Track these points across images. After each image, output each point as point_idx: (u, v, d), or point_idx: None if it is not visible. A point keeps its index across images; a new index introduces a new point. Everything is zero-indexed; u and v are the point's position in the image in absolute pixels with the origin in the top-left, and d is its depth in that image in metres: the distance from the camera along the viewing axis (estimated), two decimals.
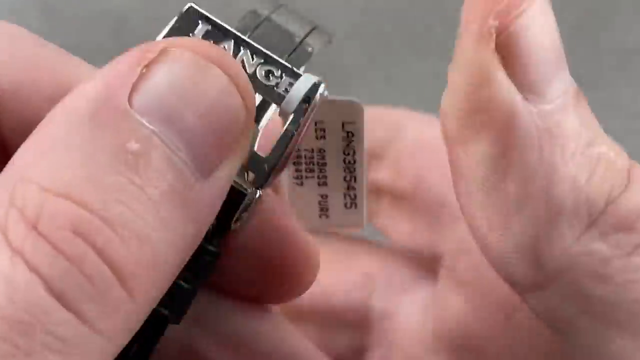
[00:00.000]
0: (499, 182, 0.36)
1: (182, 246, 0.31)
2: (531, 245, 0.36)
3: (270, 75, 0.36)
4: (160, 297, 0.31)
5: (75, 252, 0.28)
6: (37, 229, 0.28)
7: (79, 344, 0.28)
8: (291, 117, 0.35)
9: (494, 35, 0.36)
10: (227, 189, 0.32)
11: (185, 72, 0.31)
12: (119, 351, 0.30)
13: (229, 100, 0.31)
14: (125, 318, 0.30)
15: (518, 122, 0.36)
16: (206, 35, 0.39)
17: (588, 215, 0.36)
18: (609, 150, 0.37)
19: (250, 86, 0.33)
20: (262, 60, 0.37)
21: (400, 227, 0.50)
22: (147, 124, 0.30)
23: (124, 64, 0.31)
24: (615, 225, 0.36)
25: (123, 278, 0.29)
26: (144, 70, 0.31)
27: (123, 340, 0.30)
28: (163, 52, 0.31)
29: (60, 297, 0.28)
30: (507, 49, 0.36)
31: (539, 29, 0.37)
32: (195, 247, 0.32)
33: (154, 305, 0.31)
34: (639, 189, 0.36)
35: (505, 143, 0.36)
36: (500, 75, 0.36)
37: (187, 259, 0.32)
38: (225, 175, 0.32)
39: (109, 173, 0.29)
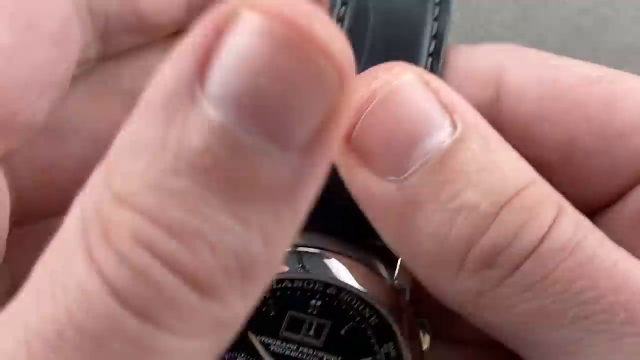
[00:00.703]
0: (396, 246, 0.43)
1: (274, 242, 0.29)
2: (433, 286, 0.44)
3: None
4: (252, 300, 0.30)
5: (141, 262, 0.27)
6: (109, 239, 0.27)
7: (156, 351, 0.28)
8: None
9: (349, 141, 0.41)
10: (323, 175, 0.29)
11: (260, 48, 0.26)
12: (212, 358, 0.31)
13: (317, 78, 0.26)
14: (206, 324, 0.29)
15: (377, 203, 0.42)
16: None
17: (456, 261, 0.42)
18: (474, 196, 0.42)
19: (346, 49, 0.26)
20: None
21: None
22: (216, 114, 0.26)
23: (194, 41, 0.26)
24: (478, 264, 0.42)
25: (194, 284, 0.28)
26: (214, 47, 0.26)
27: (211, 345, 0.30)
28: (233, 17, 0.26)
29: (132, 308, 0.27)
30: (358, 150, 0.41)
31: (382, 120, 0.41)
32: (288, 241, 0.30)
33: (244, 308, 0.30)
34: (500, 226, 0.42)
35: (377, 221, 0.42)
36: (358, 173, 0.41)
37: (279, 254, 0.30)
38: (322, 162, 0.28)
39: (173, 177, 0.26)
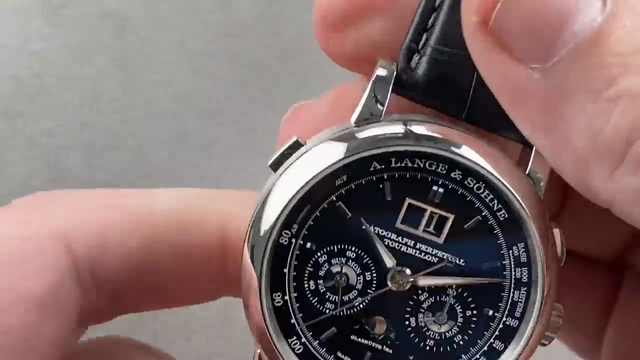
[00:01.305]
0: (538, 139, 0.40)
1: None
2: (581, 183, 0.39)
3: None
4: None
5: None
6: None
7: None
8: None
9: (487, 25, 0.38)
10: None
11: None
12: None
13: None
14: None
15: (518, 93, 0.39)
16: None
17: (615, 157, 0.38)
18: (634, 82, 0.37)
19: None
20: None
21: None
22: None
23: None
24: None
25: None
26: None
27: None
28: None
29: None
30: (497, 34, 0.38)
31: (522, 5, 0.38)
32: None
33: None
34: None
35: (516, 112, 0.40)
36: (496, 60, 0.39)
37: None
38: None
39: None
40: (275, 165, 0.45)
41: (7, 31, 0.76)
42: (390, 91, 0.44)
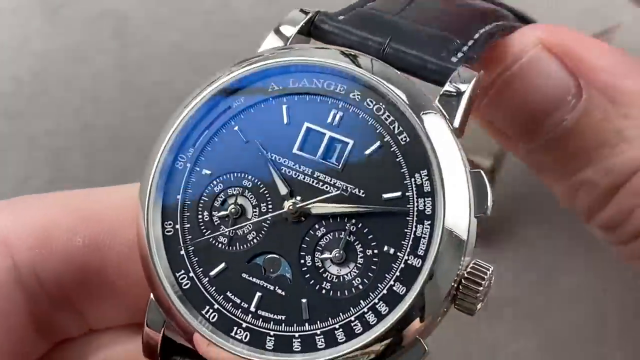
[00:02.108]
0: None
1: None
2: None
3: None
4: None
5: None
6: None
7: None
8: None
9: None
10: None
11: None
12: None
13: None
14: None
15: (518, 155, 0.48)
16: None
17: (584, 218, 0.47)
18: (594, 174, 0.44)
19: None
20: None
21: None
22: None
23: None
24: (602, 229, 0.47)
25: None
26: None
27: None
28: None
29: None
30: (490, 115, 0.47)
31: (515, 92, 0.45)
32: None
33: None
34: (615, 206, 0.44)
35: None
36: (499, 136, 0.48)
37: None
38: None
39: None
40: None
41: (7, 31, 0.76)
42: (296, 30, 0.44)
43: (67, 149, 0.72)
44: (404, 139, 0.41)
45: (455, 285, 0.40)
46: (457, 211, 0.39)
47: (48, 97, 0.74)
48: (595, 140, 0.43)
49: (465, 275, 0.40)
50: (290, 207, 0.42)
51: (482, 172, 0.40)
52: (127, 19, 0.76)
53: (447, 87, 0.41)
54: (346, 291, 0.41)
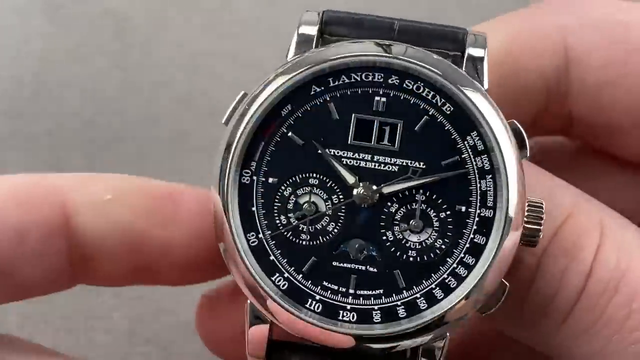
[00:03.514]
0: None
1: None
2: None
3: None
4: None
5: None
6: None
7: None
8: None
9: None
10: None
11: None
12: None
13: None
14: None
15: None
16: None
17: (518, 315, 0.46)
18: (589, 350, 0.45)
19: None
20: None
21: None
22: None
23: None
24: (536, 314, 0.45)
25: None
26: None
27: None
28: None
29: None
30: None
31: None
32: None
33: None
34: (543, 276, 0.44)
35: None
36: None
37: None
38: None
39: None
40: (228, 121, 0.46)
41: (7, 31, 0.76)
42: (317, 30, 0.47)
43: (67, 149, 0.72)
44: (448, 109, 0.45)
45: (525, 220, 0.44)
46: (509, 160, 0.44)
47: (48, 97, 0.74)
48: (584, 326, 0.45)
49: (527, 208, 0.45)
50: (364, 192, 0.45)
51: (515, 121, 0.44)
52: (127, 19, 0.76)
53: (470, 51, 0.45)
54: (431, 254, 0.45)
